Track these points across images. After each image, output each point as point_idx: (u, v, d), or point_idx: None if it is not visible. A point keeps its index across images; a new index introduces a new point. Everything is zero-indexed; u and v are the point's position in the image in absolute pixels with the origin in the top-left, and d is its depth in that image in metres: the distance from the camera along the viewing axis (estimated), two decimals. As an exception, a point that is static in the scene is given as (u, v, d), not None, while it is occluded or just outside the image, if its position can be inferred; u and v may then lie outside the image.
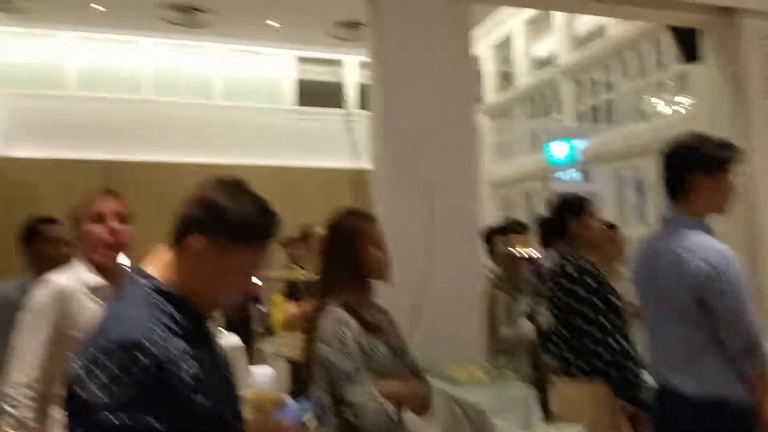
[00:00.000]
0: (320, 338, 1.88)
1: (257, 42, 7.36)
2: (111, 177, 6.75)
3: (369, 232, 2.00)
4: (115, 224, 2.06)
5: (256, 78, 7.79)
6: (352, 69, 8.02)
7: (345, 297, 1.93)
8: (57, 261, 2.79)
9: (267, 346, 2.85)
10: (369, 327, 1.92)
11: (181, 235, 1.35)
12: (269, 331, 3.47)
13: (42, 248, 2.86)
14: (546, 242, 2.84)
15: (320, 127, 7.53)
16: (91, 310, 1.97)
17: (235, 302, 1.46)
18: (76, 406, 1.16)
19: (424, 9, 3.32)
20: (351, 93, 8.03)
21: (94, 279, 2.02)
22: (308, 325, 2.03)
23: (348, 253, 1.96)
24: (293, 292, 3.63)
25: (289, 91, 7.86)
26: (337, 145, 7.30)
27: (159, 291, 1.31)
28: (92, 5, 6.19)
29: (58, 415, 1.92)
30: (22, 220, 2.98)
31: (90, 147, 6.79)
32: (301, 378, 2.19)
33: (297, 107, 7.80)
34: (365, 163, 6.58)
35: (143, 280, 1.34)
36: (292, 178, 7.22)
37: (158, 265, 1.39)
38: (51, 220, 2.97)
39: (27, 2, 5.97)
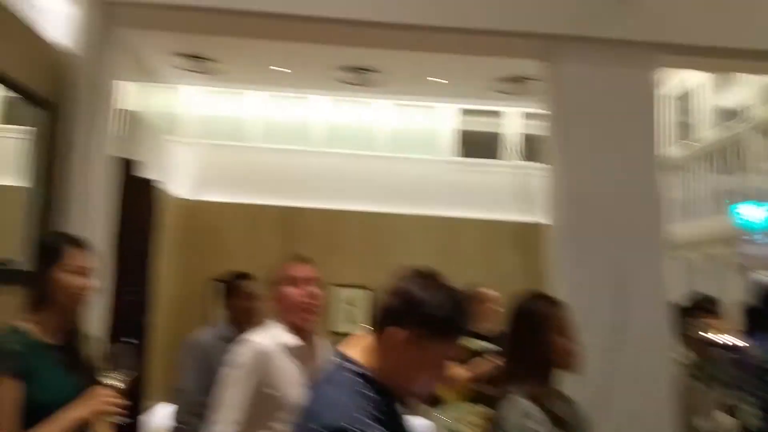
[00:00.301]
0: (503, 428, 1.82)
1: (420, 96, 7.59)
2: (284, 221, 7.30)
3: (556, 320, 1.92)
4: (311, 288, 2.20)
5: (418, 130, 8.01)
6: (514, 120, 7.95)
7: (530, 387, 1.86)
8: (251, 314, 3.16)
9: (438, 417, 2.83)
10: (555, 419, 1.83)
11: (380, 324, 1.40)
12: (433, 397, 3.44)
13: (238, 303, 3.19)
14: (751, 331, 2.54)
15: (482, 179, 7.53)
16: (288, 369, 2.12)
17: (429, 392, 1.46)
18: None
19: (605, 64, 3.22)
20: (513, 144, 7.95)
21: (291, 339, 2.18)
22: (489, 406, 1.98)
23: (533, 341, 1.89)
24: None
25: (450, 142, 7.97)
26: (499, 197, 7.23)
27: (362, 376, 1.36)
28: (274, 68, 6.80)
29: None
30: (223, 273, 3.33)
31: (267, 193, 7.40)
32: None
33: (458, 158, 7.87)
34: (527, 216, 6.42)
35: (347, 365, 1.39)
36: (453, 228, 7.27)
37: (359, 349, 1.44)
38: (245, 276, 3.29)
39: (219, 65, 6.72)
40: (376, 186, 7.44)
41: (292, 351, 2.16)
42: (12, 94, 2.92)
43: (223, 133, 7.87)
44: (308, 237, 7.24)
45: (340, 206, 7.36)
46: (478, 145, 7.93)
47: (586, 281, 2.84)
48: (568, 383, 1.97)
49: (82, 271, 1.98)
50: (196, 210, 7.32)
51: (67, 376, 1.94)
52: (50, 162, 3.15)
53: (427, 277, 1.38)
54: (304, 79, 7.13)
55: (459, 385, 3.24)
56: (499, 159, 7.87)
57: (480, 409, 2.87)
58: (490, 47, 3.52)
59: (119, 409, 1.90)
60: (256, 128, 7.89)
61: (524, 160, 7.64)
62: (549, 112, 3.27)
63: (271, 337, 2.18)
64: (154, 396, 6.07)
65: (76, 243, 2.03)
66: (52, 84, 3.16)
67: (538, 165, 5.48)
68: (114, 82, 3.20)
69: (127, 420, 1.96)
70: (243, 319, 3.15)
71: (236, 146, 7.74)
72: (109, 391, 1.91)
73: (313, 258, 2.31)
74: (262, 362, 2.11)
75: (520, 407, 1.80)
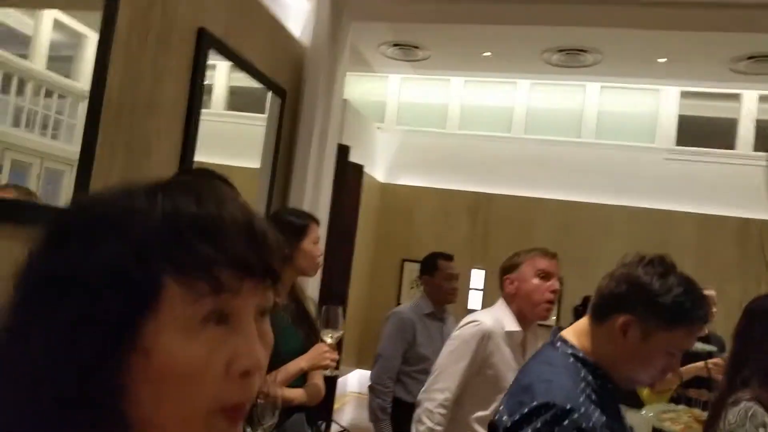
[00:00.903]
0: (726, 430, 1.67)
1: (639, 78, 6.98)
2: (475, 207, 7.33)
3: None
4: (555, 284, 2.23)
5: (631, 114, 7.43)
6: (750, 105, 6.97)
7: (758, 390, 1.68)
8: (451, 293, 3.32)
9: (638, 417, 2.65)
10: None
11: (604, 310, 1.35)
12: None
13: (440, 282, 3.36)
14: None
15: (704, 169, 6.77)
16: (507, 353, 2.20)
17: (654, 381, 1.39)
18: None
19: None
20: (747, 132, 6.99)
21: (514, 325, 2.24)
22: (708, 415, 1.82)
23: None
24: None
25: (669, 128, 7.26)
26: (723, 190, 6.48)
27: (580, 360, 1.34)
28: (483, 53, 6.76)
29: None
30: (426, 253, 3.50)
31: (459, 178, 7.49)
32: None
33: (675, 147, 7.14)
34: (759, 212, 5.66)
35: (565, 347, 1.38)
36: (664, 221, 6.67)
37: (576, 332, 1.41)
38: (447, 257, 3.44)
39: (428, 52, 6.87)
40: (579, 174, 7.10)
41: (512, 337, 2.22)
42: (255, 82, 3.34)
43: (424, 120, 8.09)
44: (499, 223, 7.19)
45: (535, 194, 7.17)
46: (700, 132, 7.13)
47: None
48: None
49: (317, 242, 2.27)
50: (391, 192, 7.69)
51: (295, 331, 2.20)
52: (279, 145, 3.54)
53: (657, 263, 1.31)
54: (509, 63, 6.99)
55: (667, 385, 3.02)
56: (728, 148, 6.97)
57: (693, 410, 2.65)
58: (737, 22, 3.14)
59: (334, 364, 2.12)
60: (456, 114, 7.99)
61: (757, 150, 6.71)
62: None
63: (496, 320, 2.25)
64: (348, 360, 6.55)
65: (315, 219, 2.33)
66: (287, 73, 3.54)
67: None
68: (339, 72, 3.48)
69: (336, 373, 2.18)
70: (442, 298, 3.33)
71: (434, 132, 7.91)
72: (326, 347, 2.13)
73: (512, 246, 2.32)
74: (484, 340, 2.20)
75: (756, 417, 1.63)
